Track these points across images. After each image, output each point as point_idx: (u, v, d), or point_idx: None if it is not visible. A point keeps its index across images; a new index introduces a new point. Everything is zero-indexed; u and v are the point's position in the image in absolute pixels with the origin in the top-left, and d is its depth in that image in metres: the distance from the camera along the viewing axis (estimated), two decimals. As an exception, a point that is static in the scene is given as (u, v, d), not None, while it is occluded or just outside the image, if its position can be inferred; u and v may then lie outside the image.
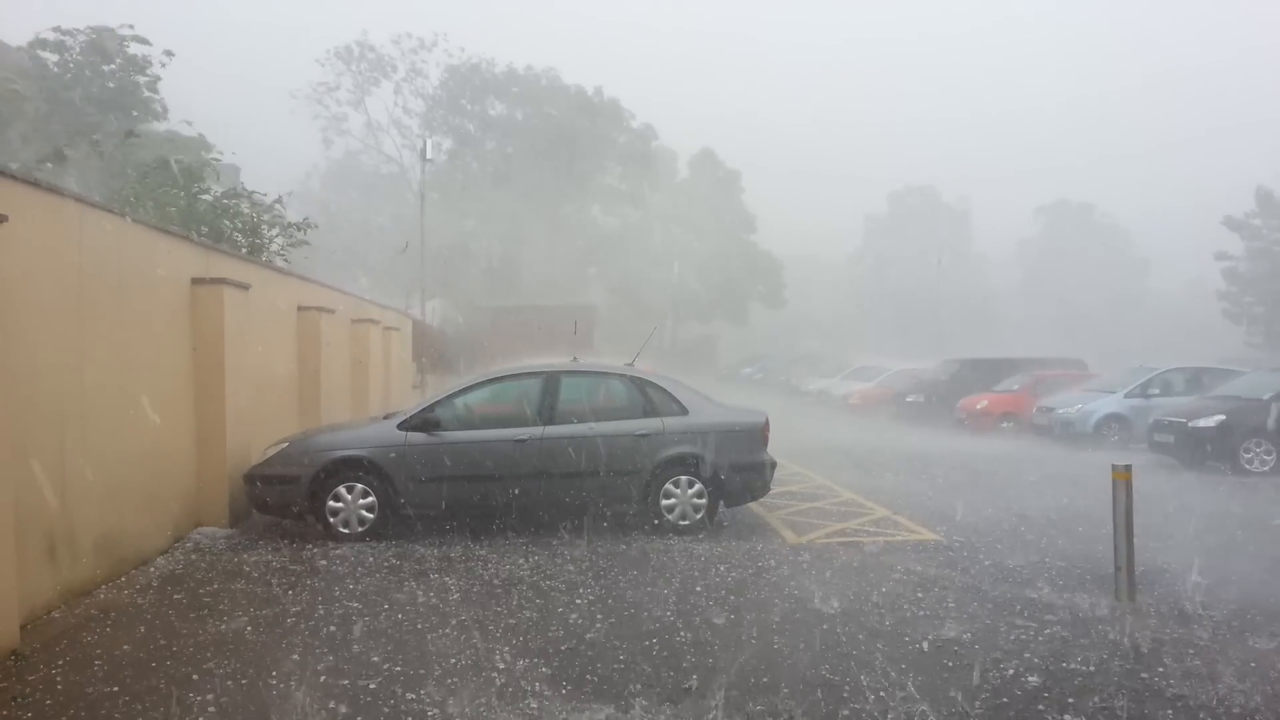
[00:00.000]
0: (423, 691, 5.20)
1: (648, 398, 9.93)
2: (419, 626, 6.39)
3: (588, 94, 47.35)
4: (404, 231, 41.83)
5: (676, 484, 9.63)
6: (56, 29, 18.03)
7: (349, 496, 9.19)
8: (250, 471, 9.41)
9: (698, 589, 7.39)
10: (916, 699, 5.09)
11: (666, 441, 9.67)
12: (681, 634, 6.23)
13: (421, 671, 5.50)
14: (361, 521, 9.18)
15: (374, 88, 47.18)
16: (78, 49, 18.10)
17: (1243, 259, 53.34)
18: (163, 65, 18.98)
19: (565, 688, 5.26)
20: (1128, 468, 7.19)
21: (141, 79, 18.64)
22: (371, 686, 5.27)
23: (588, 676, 5.44)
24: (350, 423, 11.61)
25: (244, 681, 5.33)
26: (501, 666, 5.61)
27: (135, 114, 18.39)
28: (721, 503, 9.87)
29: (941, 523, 10.37)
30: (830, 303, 74.60)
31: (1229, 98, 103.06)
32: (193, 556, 8.36)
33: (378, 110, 48.04)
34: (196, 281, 9.19)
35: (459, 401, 9.83)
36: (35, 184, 6.57)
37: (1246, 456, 15.10)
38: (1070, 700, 5.09)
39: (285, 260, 15.38)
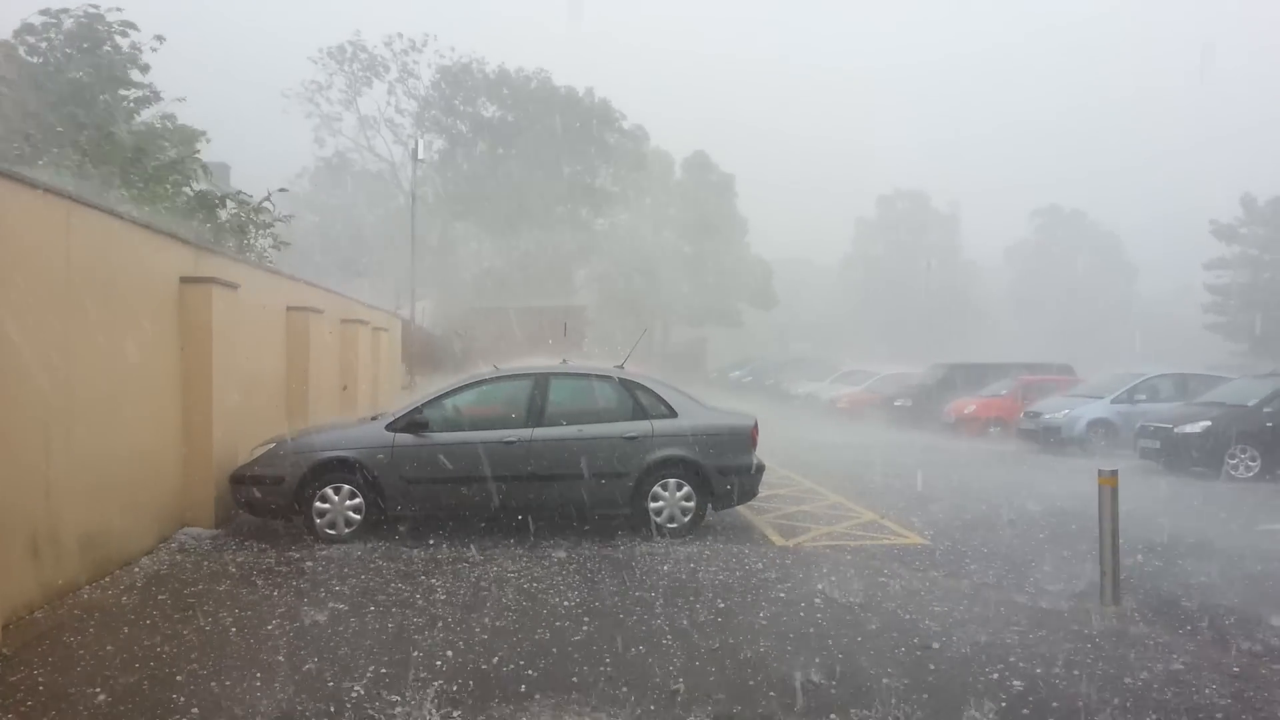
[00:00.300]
0: (409, 693, 5.18)
1: (637, 400, 9.93)
2: (405, 628, 6.37)
3: (579, 95, 47.32)
4: (394, 231, 41.75)
5: (665, 487, 9.63)
6: (44, 12, 17.81)
7: (336, 498, 9.15)
8: (237, 472, 9.37)
9: (684, 592, 7.38)
10: (901, 702, 5.10)
11: (655, 444, 9.66)
12: (668, 637, 6.23)
13: (407, 673, 5.48)
14: (348, 523, 9.15)
15: (366, 88, 47.06)
16: (63, 35, 17.86)
17: (1230, 267, 53.78)
18: (153, 50, 18.72)
19: (551, 690, 5.24)
20: (1114, 473, 7.22)
21: (130, 65, 18.36)
22: (357, 688, 5.25)
23: (573, 679, 5.43)
24: (338, 423, 11.57)
25: (228, 683, 5.30)
26: (486, 669, 5.59)
27: (126, 101, 18.12)
28: (710, 505, 9.87)
29: (928, 526, 10.39)
30: (820, 307, 74.77)
31: (1218, 111, 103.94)
32: (178, 557, 8.32)
33: (370, 110, 47.91)
34: (185, 280, 9.14)
35: (447, 403, 9.81)
36: (22, 180, 6.54)
37: (1231, 463, 15.19)
38: (1055, 705, 5.11)
39: (270, 261, 15.31)
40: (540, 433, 9.52)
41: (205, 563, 8.16)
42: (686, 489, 9.64)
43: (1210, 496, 13.08)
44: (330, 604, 6.92)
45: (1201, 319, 54.55)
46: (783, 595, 7.33)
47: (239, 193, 15.82)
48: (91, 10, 17.85)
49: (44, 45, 17.94)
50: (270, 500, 9.20)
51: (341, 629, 6.33)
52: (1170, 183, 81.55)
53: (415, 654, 5.83)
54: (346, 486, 9.17)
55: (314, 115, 46.72)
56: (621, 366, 10.74)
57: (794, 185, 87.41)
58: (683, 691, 5.25)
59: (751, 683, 5.39)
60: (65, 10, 17.91)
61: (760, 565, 8.35)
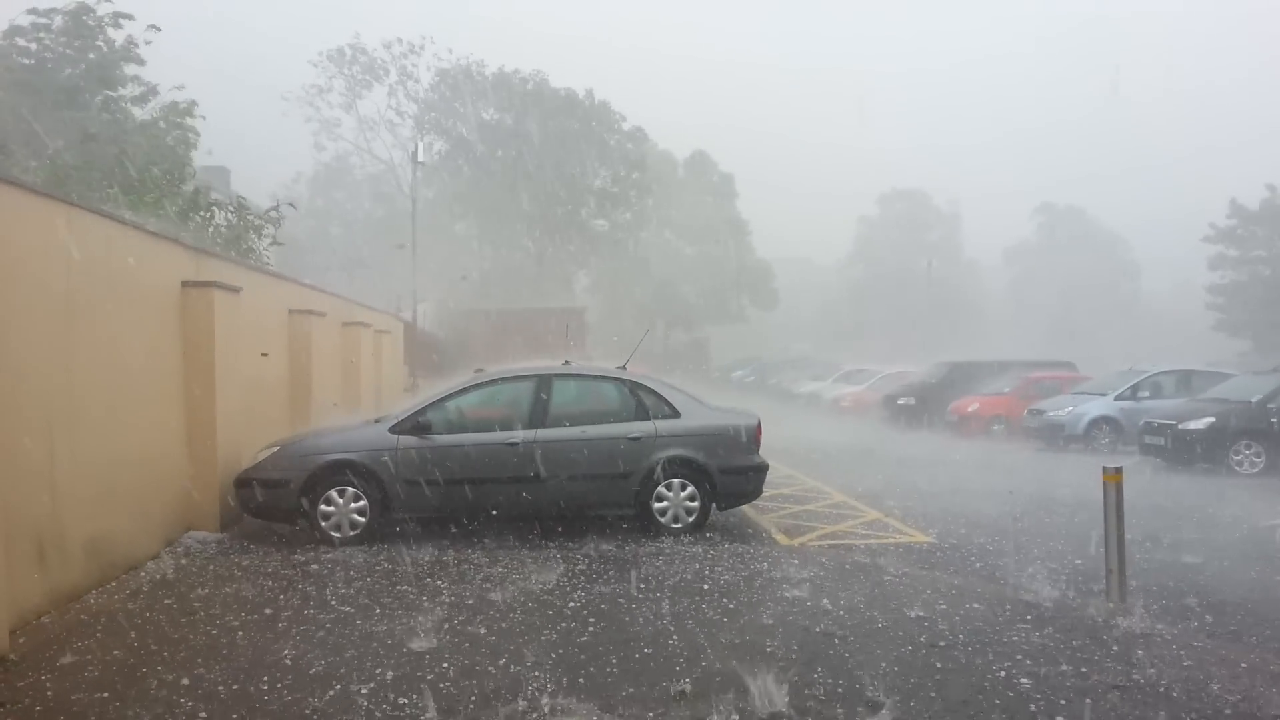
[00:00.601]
0: (415, 695, 5.18)
1: (640, 400, 9.93)
2: (411, 631, 6.36)
3: (578, 97, 47.33)
4: (395, 234, 41.76)
5: (669, 487, 9.62)
6: (32, 12, 17.61)
7: (340, 500, 9.16)
8: (241, 475, 9.37)
9: (690, 592, 7.37)
10: (908, 700, 5.09)
11: (659, 444, 9.66)
12: (674, 637, 6.22)
13: (415, 675, 5.48)
14: (353, 525, 9.15)
15: (366, 91, 47.11)
16: (55, 33, 17.66)
17: (1229, 267, 53.88)
18: (148, 43, 18.48)
19: (558, 691, 5.24)
20: (1118, 470, 7.20)
21: (124, 60, 18.17)
22: (364, 691, 5.25)
23: (580, 680, 5.42)
24: (341, 426, 11.55)
25: (235, 686, 5.30)
26: (493, 670, 5.59)
27: (121, 100, 17.96)
28: (714, 505, 9.86)
29: (933, 525, 10.39)
30: (822, 306, 74.76)
31: (1221, 117, 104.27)
32: (183, 561, 8.32)
33: (370, 113, 47.95)
34: (187, 284, 9.15)
35: (450, 405, 9.81)
36: (23, 186, 6.54)
37: (1236, 458, 15.17)
38: (1062, 703, 5.10)
39: (268, 260, 15.26)
40: (544, 434, 9.52)
41: (211, 566, 8.16)
42: (691, 489, 9.63)
43: (1215, 493, 13.06)
44: (337, 607, 6.92)
45: (1204, 318, 54.54)
46: (788, 595, 7.33)
47: (240, 198, 15.73)
48: (80, 3, 17.58)
49: (34, 47, 17.74)
50: (275, 503, 9.20)
51: (348, 631, 6.32)
52: (1173, 183, 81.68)
53: (422, 656, 5.82)
54: (351, 489, 9.17)
55: (313, 120, 46.77)
56: (624, 367, 10.73)
57: (795, 187, 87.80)
58: (689, 692, 5.25)
59: (759, 682, 5.37)
60: (55, 10, 17.73)
61: (765, 565, 8.34)
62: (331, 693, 5.22)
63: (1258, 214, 53.65)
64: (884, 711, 4.97)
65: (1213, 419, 15.51)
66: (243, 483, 9.31)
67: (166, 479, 8.79)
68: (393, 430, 9.44)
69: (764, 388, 40.17)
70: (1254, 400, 15.64)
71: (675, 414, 9.89)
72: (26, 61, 17.55)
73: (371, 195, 49.53)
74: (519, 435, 9.48)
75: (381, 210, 48.50)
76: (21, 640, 5.97)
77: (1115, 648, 6.05)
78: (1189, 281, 61.67)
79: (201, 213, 14.71)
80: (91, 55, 17.67)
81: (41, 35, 17.67)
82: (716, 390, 35.83)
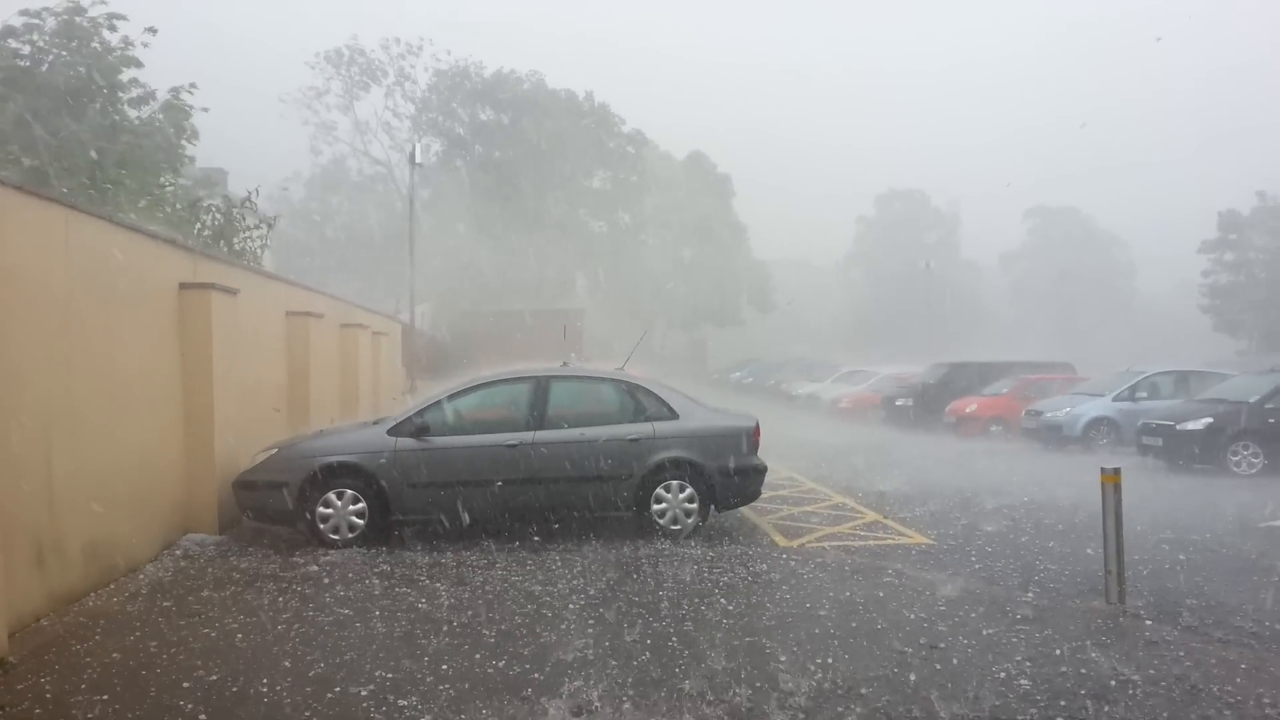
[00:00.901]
0: (414, 697, 5.18)
1: (638, 402, 9.93)
2: (410, 633, 6.36)
3: (578, 98, 47.35)
4: (392, 235, 41.73)
5: (668, 488, 9.62)
6: (24, 13, 17.50)
7: (339, 503, 9.15)
8: (239, 478, 9.37)
9: (689, 594, 7.37)
10: (907, 701, 5.09)
11: (657, 446, 9.66)
12: (673, 639, 6.22)
13: (414, 677, 5.48)
14: (352, 528, 9.14)
15: (363, 92, 47.10)
16: (48, 35, 17.56)
17: (1225, 271, 54.09)
18: (144, 45, 18.39)
19: (557, 693, 5.24)
20: (1117, 470, 7.21)
21: (114, 59, 18.07)
22: (363, 693, 5.25)
23: (578, 683, 5.42)
24: (339, 428, 11.56)
25: (234, 689, 5.30)
26: (492, 672, 5.59)
27: (117, 102, 17.87)
28: (713, 507, 9.86)
29: (932, 526, 10.39)
30: (820, 307, 74.79)
31: (1216, 114, 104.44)
32: (182, 563, 8.32)
33: (367, 114, 47.95)
34: (185, 286, 9.14)
35: (449, 406, 9.80)
36: (20, 188, 6.54)
37: (1234, 459, 15.19)
38: (1062, 703, 5.10)
39: (259, 259, 15.22)
40: (542, 436, 9.52)
41: (209, 569, 8.15)
42: (689, 491, 9.63)
43: (1213, 493, 13.07)
44: (335, 609, 6.92)
45: (1202, 319, 54.70)
46: (787, 596, 7.33)
47: (226, 197, 15.62)
48: (72, 4, 17.46)
49: (27, 49, 17.65)
50: (273, 506, 9.19)
51: (347, 634, 6.32)
52: (1169, 182, 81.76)
53: (422, 658, 5.82)
54: (349, 491, 9.17)
55: (311, 123, 46.74)
56: (622, 368, 10.73)
57: (793, 188, 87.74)
58: (688, 692, 5.25)
59: (758, 683, 5.38)
60: (47, 9, 17.62)
61: (764, 566, 8.35)
62: (330, 695, 5.22)
63: (1249, 219, 53.87)
64: (883, 713, 4.97)
65: (1211, 419, 15.52)
66: (241, 485, 9.31)
67: (165, 481, 8.78)
68: (391, 432, 9.43)
69: (762, 389, 40.14)
70: (1252, 400, 15.66)
71: (673, 415, 9.89)
72: (20, 62, 17.46)
73: (369, 197, 49.51)
74: (517, 437, 9.47)
75: (379, 212, 48.47)
76: (21, 642, 5.96)
77: (1114, 649, 6.05)
78: (1187, 281, 61.78)
79: (197, 213, 14.67)
80: (86, 57, 17.56)
81: (34, 36, 17.56)
82: (715, 392, 35.82)
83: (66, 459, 6.87)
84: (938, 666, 5.68)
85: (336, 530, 9.12)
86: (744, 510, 10.79)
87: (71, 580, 6.97)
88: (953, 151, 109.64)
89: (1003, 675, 5.53)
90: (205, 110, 18.21)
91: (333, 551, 8.81)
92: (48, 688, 5.30)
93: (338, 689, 5.31)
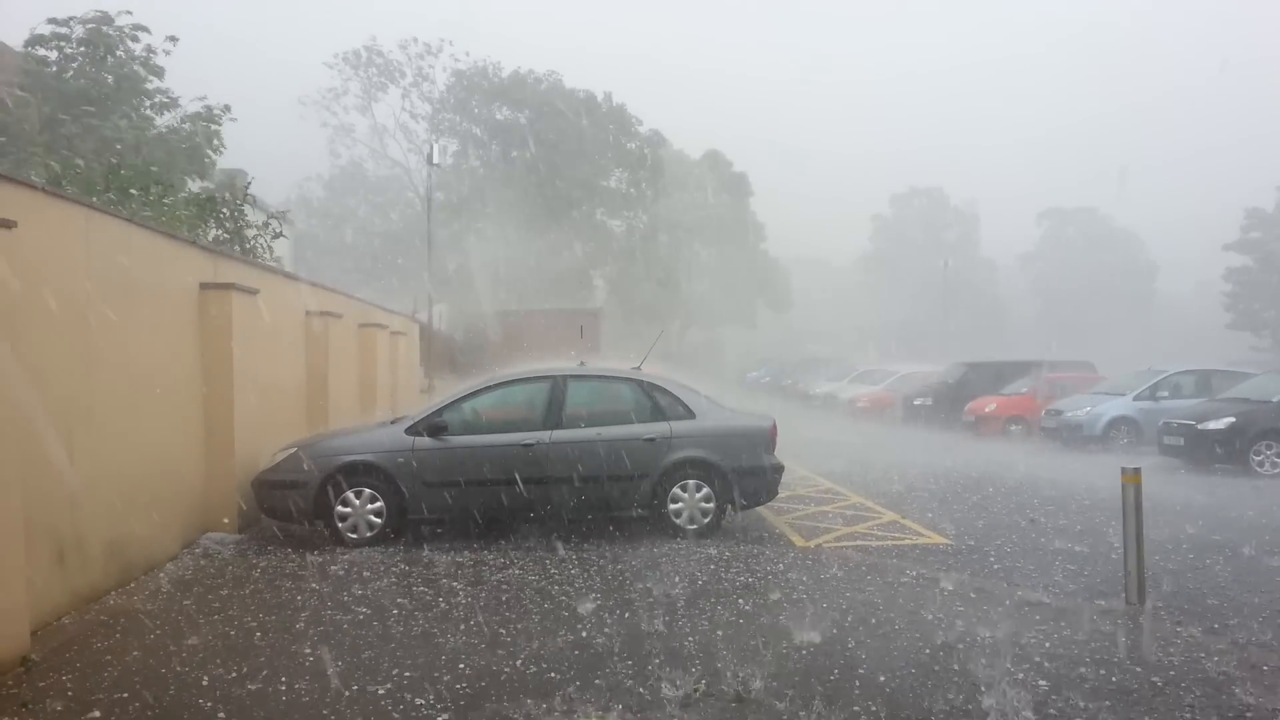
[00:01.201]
0: (431, 696, 5.20)
1: (655, 402, 9.93)
2: (428, 631, 6.39)
3: (596, 99, 47.37)
4: (410, 236, 41.87)
5: (684, 488, 9.62)
6: (52, 21, 17.77)
7: (357, 502, 9.19)
8: (258, 477, 9.42)
9: (706, 593, 7.37)
10: (926, 702, 5.07)
11: (674, 445, 9.65)
12: (690, 639, 6.22)
13: (433, 675, 5.50)
14: (370, 526, 9.18)
15: (381, 93, 47.27)
16: (75, 43, 17.84)
17: (1248, 268, 53.60)
18: (166, 54, 18.64)
19: (574, 692, 5.24)
20: (1137, 470, 7.15)
21: (140, 69, 18.32)
22: (380, 692, 5.27)
23: (596, 681, 5.43)
24: (357, 427, 11.61)
25: (253, 687, 5.33)
26: (509, 671, 5.60)
27: (143, 110, 18.12)
28: (729, 507, 9.85)
29: (950, 526, 10.34)
30: (837, 307, 74.55)
31: (1234, 114, 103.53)
32: (201, 562, 8.37)
33: (384, 115, 48.11)
34: (205, 286, 9.21)
35: (466, 406, 9.83)
36: (43, 190, 6.60)
37: (1257, 459, 15.05)
38: (1081, 704, 5.06)
39: (275, 257, 15.30)
40: (559, 435, 9.53)
41: (229, 567, 8.21)
42: (706, 490, 9.62)
43: (1235, 493, 12.95)
44: (353, 607, 6.95)
45: (1221, 313, 54.20)
46: (804, 596, 7.31)
47: (246, 196, 15.63)
48: (99, 13, 17.72)
49: (55, 55, 17.92)
50: (292, 504, 9.24)
51: (365, 632, 6.35)
52: (1191, 182, 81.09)
53: (439, 656, 5.84)
54: (367, 490, 9.21)
55: (329, 125, 46.93)
56: (639, 368, 10.73)
57: (808, 191, 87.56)
58: (703, 692, 5.24)
59: (774, 683, 5.37)
60: (74, 18, 17.89)
61: (781, 566, 8.33)
62: (349, 693, 5.24)
63: (1274, 215, 53.43)
64: (902, 712, 4.95)
65: (1233, 419, 15.38)
66: (260, 484, 9.37)
67: (185, 480, 8.84)
68: (409, 431, 9.47)
69: (779, 388, 40.10)
70: (1274, 400, 15.51)
71: (690, 415, 9.88)
72: (48, 69, 17.73)
73: (387, 198, 49.69)
74: (534, 436, 9.49)
75: (396, 212, 48.66)
76: (43, 641, 6.02)
77: (1134, 649, 6.00)
78: (1207, 281, 61.26)
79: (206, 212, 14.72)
80: (111, 65, 17.84)
81: (62, 44, 17.84)
82: (731, 391, 35.78)
83: (88, 458, 6.93)
84: (955, 667, 5.65)
85: (354, 529, 9.17)
86: (761, 510, 10.77)
87: (93, 579, 7.03)
88: (968, 152, 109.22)
89: (1021, 676, 5.49)
90: (234, 120, 18.44)
91: (351, 550, 8.85)
92: (69, 685, 5.34)
93: (355, 687, 5.33)
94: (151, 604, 7.01)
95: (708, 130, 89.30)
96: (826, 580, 7.81)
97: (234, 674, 5.52)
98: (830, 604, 7.07)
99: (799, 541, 9.54)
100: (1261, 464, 15.00)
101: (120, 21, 17.93)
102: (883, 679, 5.42)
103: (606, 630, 6.41)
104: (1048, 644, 6.09)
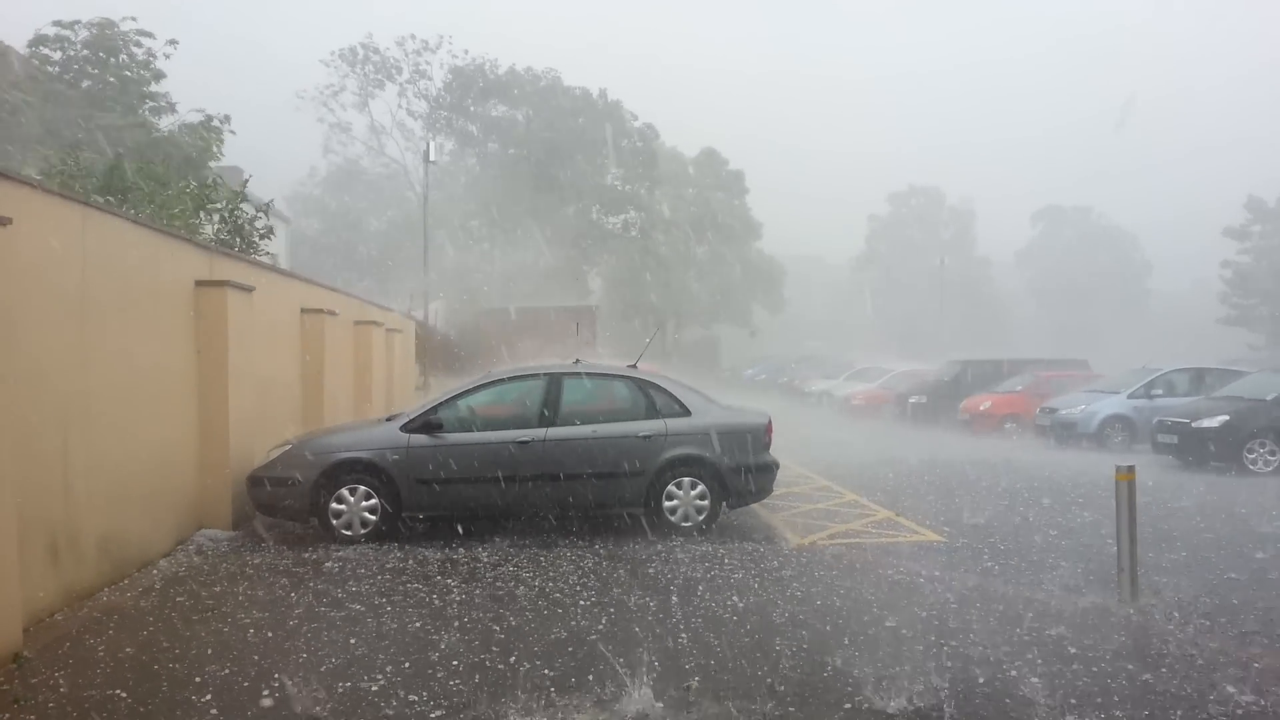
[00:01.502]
0: (425, 693, 5.20)
1: (650, 399, 9.93)
2: (422, 629, 6.39)
3: (592, 96, 47.35)
4: (406, 233, 41.84)
5: (679, 485, 9.63)
6: (57, 23, 17.83)
7: (352, 499, 9.19)
8: (253, 473, 9.41)
9: (701, 591, 7.38)
10: (919, 700, 5.08)
11: (669, 443, 9.66)
12: (684, 635, 6.23)
13: (425, 672, 5.50)
14: (364, 524, 9.18)
15: (378, 90, 47.20)
16: (79, 45, 17.91)
17: (1244, 263, 53.74)
18: (166, 57, 18.72)
19: (568, 689, 5.25)
20: (1131, 468, 7.17)
21: (145, 72, 18.43)
22: (374, 689, 5.27)
23: (589, 678, 5.43)
24: (353, 425, 11.61)
25: (247, 684, 5.33)
26: (503, 668, 5.61)
27: (141, 111, 18.22)
28: (724, 504, 9.86)
29: (944, 524, 10.35)
30: (833, 304, 74.58)
31: (1231, 115, 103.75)
32: (195, 558, 8.37)
33: (381, 112, 48.04)
34: (200, 283, 9.20)
35: (461, 403, 9.83)
36: (39, 186, 6.59)
37: (1250, 457, 15.07)
38: (1073, 702, 5.08)
39: (266, 254, 15.31)
40: (554, 432, 9.53)
41: (223, 564, 8.20)
42: (701, 487, 9.63)
43: (1229, 491, 12.98)
44: (347, 604, 6.95)
45: (1217, 311, 54.33)
46: (799, 593, 7.32)
47: (241, 194, 15.66)
48: (104, 18, 17.86)
49: (59, 56, 18.00)
50: (287, 501, 9.24)
51: (359, 629, 6.35)
52: (1186, 181, 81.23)
53: (432, 654, 5.85)
54: (362, 487, 9.20)
55: (325, 121, 46.85)
56: (634, 366, 10.74)
57: (805, 190, 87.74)
58: (697, 688, 5.25)
59: (768, 680, 5.38)
60: (78, 21, 17.98)
61: (776, 563, 8.34)
62: (342, 689, 5.25)
63: (1275, 210, 53.56)
64: (895, 710, 4.96)
65: (1227, 417, 15.41)
66: (255, 481, 9.35)
67: (179, 477, 8.84)
68: (404, 429, 9.47)
69: (775, 386, 40.08)
70: (1269, 398, 15.53)
71: (686, 412, 9.89)
72: (51, 69, 17.78)
73: (383, 195, 49.65)
74: (530, 434, 9.49)
75: (393, 210, 48.63)
76: (35, 637, 6.01)
77: (1127, 647, 6.02)
78: (1203, 279, 61.41)
79: (214, 209, 14.74)
80: (114, 68, 17.92)
81: (65, 46, 17.91)
82: (727, 389, 35.76)
83: (82, 454, 6.92)
84: (948, 664, 5.67)
85: (349, 526, 9.16)
86: (756, 507, 10.77)
87: (86, 575, 7.02)
88: (966, 151, 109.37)
89: (1014, 673, 5.51)
90: (234, 133, 18.50)
91: (345, 547, 8.85)
92: (62, 682, 5.34)
93: (349, 684, 5.33)
94: (145, 600, 7.00)
95: (704, 128, 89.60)
96: (820, 577, 7.82)
97: (227, 670, 5.52)
98: (824, 601, 7.08)
99: (794, 539, 9.55)
100: (1255, 462, 15.03)
101: (124, 26, 18.02)
102: (875, 675, 5.43)
103: (600, 627, 6.42)
104: (1040, 641, 6.11)
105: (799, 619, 6.63)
